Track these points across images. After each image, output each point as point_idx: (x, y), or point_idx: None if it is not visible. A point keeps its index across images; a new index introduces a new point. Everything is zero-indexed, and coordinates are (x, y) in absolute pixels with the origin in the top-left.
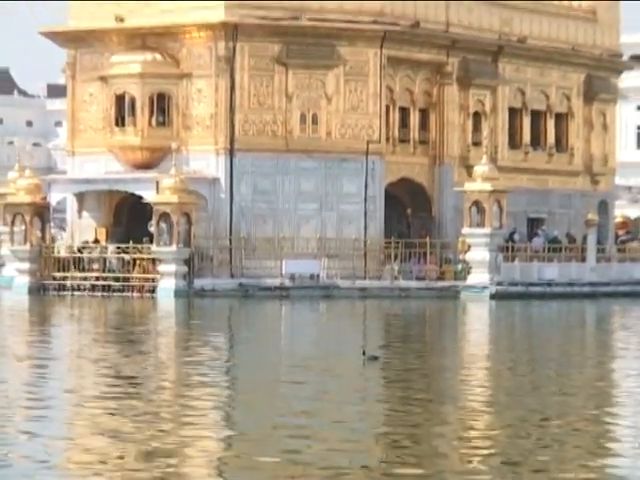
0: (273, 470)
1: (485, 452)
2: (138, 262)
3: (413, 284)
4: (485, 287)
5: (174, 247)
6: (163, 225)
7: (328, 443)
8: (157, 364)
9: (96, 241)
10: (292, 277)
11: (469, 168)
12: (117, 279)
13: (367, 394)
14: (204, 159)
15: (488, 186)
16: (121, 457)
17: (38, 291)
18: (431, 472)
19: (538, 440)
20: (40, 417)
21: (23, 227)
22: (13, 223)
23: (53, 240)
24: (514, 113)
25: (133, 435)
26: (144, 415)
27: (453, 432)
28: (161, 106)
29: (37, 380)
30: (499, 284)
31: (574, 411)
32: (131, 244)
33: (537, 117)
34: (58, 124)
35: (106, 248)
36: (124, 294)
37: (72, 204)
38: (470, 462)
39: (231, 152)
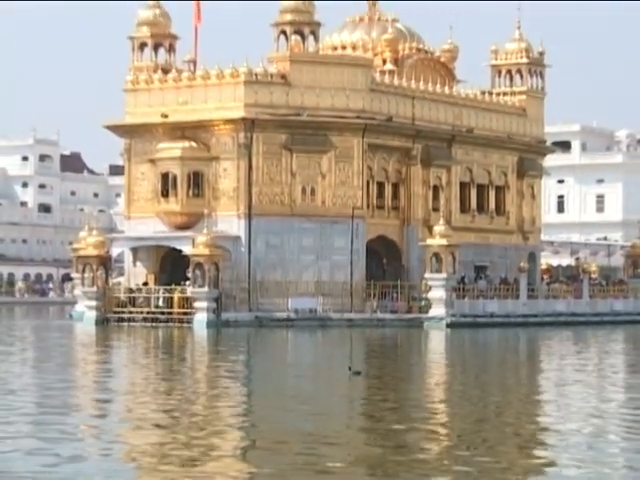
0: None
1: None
2: (179, 300)
3: (388, 316)
4: (442, 318)
5: (206, 288)
6: (198, 272)
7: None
8: (197, 372)
9: (146, 284)
10: (296, 311)
11: (430, 228)
12: (162, 313)
13: (351, 398)
14: (229, 222)
15: (444, 241)
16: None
17: (103, 322)
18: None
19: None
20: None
21: (91, 274)
22: (83, 271)
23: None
24: (464, 186)
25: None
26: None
27: (417, 421)
28: (196, 182)
29: (105, 381)
30: (453, 316)
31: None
32: (173, 286)
33: (481, 189)
34: (118, 195)
35: (155, 290)
36: (168, 324)
37: (128, 256)
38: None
39: (249, 216)
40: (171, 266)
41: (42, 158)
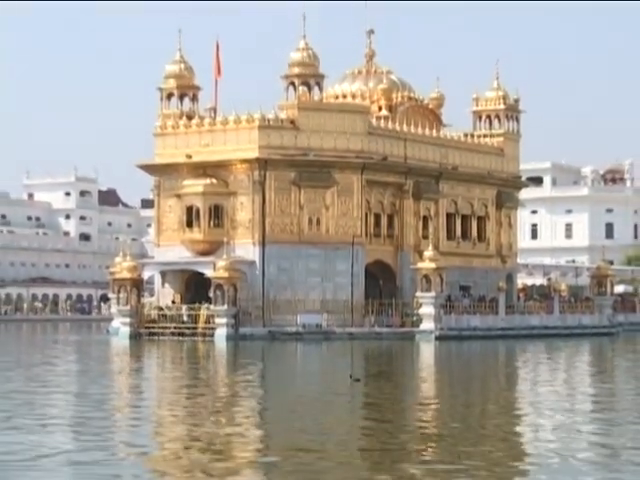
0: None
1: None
2: (202, 316)
3: (384, 330)
4: (432, 332)
5: (226, 306)
6: (218, 292)
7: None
8: (219, 378)
9: (173, 302)
10: (304, 326)
11: (420, 253)
12: (188, 328)
13: (352, 401)
14: (245, 249)
15: (433, 265)
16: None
17: (136, 337)
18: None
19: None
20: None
21: (125, 294)
22: (119, 291)
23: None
24: (450, 217)
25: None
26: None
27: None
28: (216, 214)
29: (140, 385)
30: (441, 329)
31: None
32: (197, 305)
33: (465, 219)
34: (148, 225)
35: (181, 307)
36: (193, 338)
37: (158, 279)
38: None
39: (263, 244)
40: (195, 287)
41: (82, 193)
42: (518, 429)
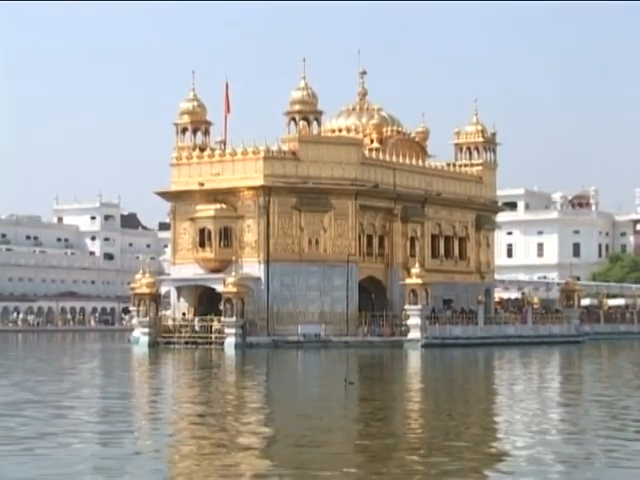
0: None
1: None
2: (213, 327)
3: (376, 339)
4: (418, 340)
5: (234, 318)
6: (227, 305)
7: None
8: (229, 381)
9: (184, 314)
10: (304, 335)
11: (408, 270)
12: (200, 337)
13: (346, 402)
14: (251, 266)
15: (419, 280)
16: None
17: (154, 345)
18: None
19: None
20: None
21: (145, 307)
22: (139, 305)
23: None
24: (434, 237)
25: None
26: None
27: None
28: (226, 235)
29: (159, 388)
30: (426, 338)
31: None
32: (209, 317)
33: (448, 240)
34: (165, 246)
35: (194, 319)
36: (204, 346)
37: (174, 293)
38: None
39: (267, 262)
40: (207, 301)
41: (106, 217)
42: (493, 422)
